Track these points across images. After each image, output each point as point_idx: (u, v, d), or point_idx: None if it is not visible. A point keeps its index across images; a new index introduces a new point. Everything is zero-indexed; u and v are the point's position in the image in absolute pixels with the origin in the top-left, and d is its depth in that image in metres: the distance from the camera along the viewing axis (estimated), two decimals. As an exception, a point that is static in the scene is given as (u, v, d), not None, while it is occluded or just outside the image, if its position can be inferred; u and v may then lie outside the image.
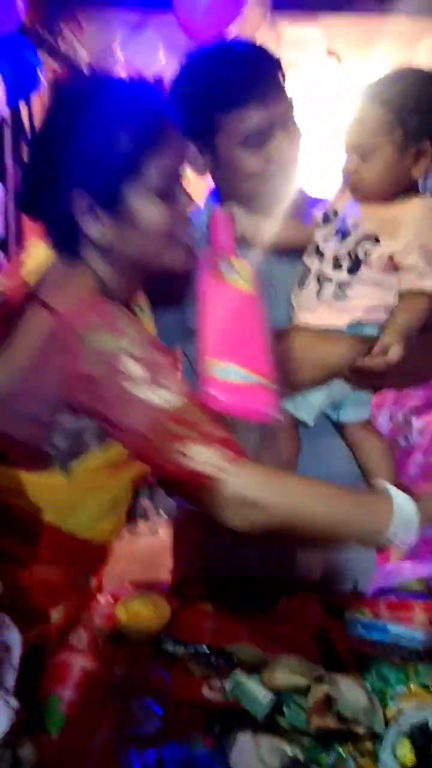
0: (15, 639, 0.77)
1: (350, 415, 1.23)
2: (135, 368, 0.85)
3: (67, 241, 0.95)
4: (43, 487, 0.97)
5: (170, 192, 0.92)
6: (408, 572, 1.82)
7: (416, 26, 2.78)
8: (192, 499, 0.92)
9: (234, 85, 1.06)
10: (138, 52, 3.30)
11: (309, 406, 1.16)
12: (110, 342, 0.85)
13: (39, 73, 2.38)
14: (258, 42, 1.14)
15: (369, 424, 1.28)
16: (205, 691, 0.96)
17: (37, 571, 0.99)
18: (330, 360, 1.11)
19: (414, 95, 1.00)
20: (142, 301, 1.12)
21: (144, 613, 1.07)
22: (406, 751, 0.86)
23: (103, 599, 1.13)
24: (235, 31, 2.44)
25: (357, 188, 1.08)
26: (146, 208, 0.91)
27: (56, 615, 1.02)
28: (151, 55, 3.41)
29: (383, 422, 2.72)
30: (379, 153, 1.02)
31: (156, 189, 0.91)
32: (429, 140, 1.03)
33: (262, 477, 0.91)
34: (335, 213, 1.12)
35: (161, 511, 3.29)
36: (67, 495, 0.98)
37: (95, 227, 0.91)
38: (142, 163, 0.89)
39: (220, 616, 1.14)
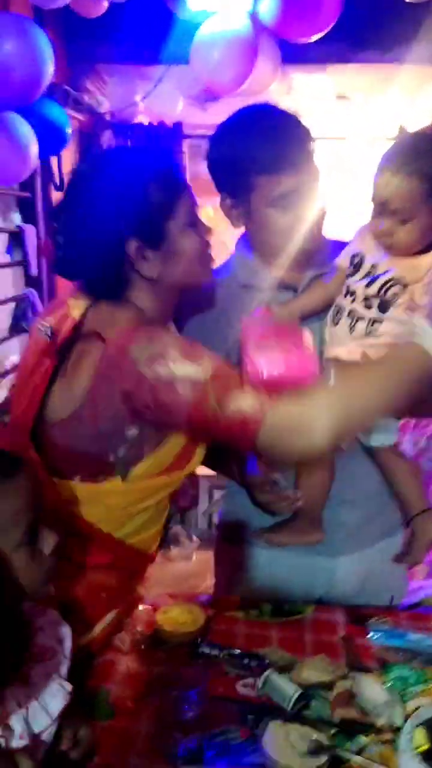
0: (67, 632, 0.89)
1: (379, 439, 1.32)
2: (171, 354, 1.01)
3: (112, 287, 1.11)
4: (103, 494, 1.10)
5: (196, 222, 1.12)
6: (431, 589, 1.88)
7: (419, 73, 2.92)
8: (245, 446, 1.04)
9: (271, 152, 1.16)
10: (158, 102, 3.51)
11: None
12: (152, 347, 1.02)
13: (67, 130, 2.57)
14: (282, 106, 1.23)
15: (396, 448, 1.37)
16: (240, 688, 1.06)
17: (95, 576, 1.12)
18: None
19: None
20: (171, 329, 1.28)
21: (181, 619, 1.17)
22: (421, 739, 0.94)
23: (144, 607, 1.24)
24: (248, 83, 2.60)
25: (392, 246, 1.18)
26: (184, 238, 1.10)
27: (107, 620, 1.14)
28: (170, 105, 3.63)
29: (407, 447, 2.78)
30: (417, 219, 1.13)
31: (187, 222, 1.10)
32: None
33: (303, 408, 1.01)
34: (362, 258, 1.23)
35: (193, 537, 3.37)
36: (123, 499, 1.12)
37: (146, 266, 1.09)
38: (176, 204, 1.09)
39: (252, 624, 1.24)
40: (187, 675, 1.03)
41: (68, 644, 0.86)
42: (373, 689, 1.04)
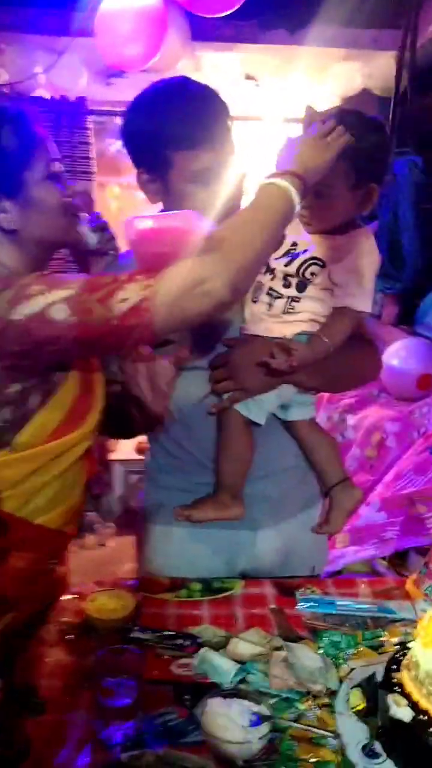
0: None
1: (297, 414, 1.34)
2: (33, 289, 0.96)
3: None
4: None
5: (57, 176, 1.10)
6: (352, 556, 1.96)
7: (325, 54, 2.97)
8: (147, 333, 0.98)
9: (188, 128, 1.13)
10: (61, 76, 3.36)
11: (259, 408, 1.27)
12: (8, 293, 0.97)
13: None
14: (209, 85, 1.19)
15: (314, 422, 1.40)
16: (175, 669, 1.04)
17: (7, 560, 1.05)
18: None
19: (365, 143, 1.12)
20: None
21: (110, 606, 1.14)
22: (356, 699, 0.97)
23: (70, 597, 1.19)
24: (157, 59, 2.54)
25: (311, 222, 1.19)
26: (43, 190, 1.07)
27: (23, 602, 1.08)
28: (74, 79, 3.49)
29: (320, 421, 2.86)
30: (335, 193, 1.14)
31: (47, 174, 1.08)
32: (376, 182, 1.17)
33: (191, 263, 0.96)
34: (282, 236, 1.21)
35: (108, 523, 3.32)
36: (18, 471, 1.05)
37: (3, 217, 1.05)
38: (33, 155, 1.06)
39: (182, 604, 1.22)
40: (120, 661, 0.99)
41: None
42: (307, 657, 1.06)
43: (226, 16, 2.47)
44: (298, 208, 1.02)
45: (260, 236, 1.01)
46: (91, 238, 1.33)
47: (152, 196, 1.25)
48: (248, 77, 3.36)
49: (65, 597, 1.20)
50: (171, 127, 1.14)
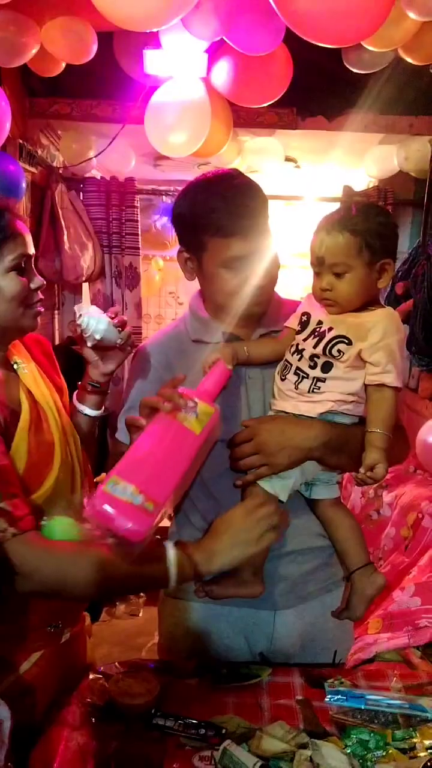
0: (5, 714, 0.83)
1: (321, 493, 1.34)
2: None
3: None
4: None
5: (23, 268, 1.17)
6: (385, 644, 1.87)
7: (362, 138, 3.10)
8: None
9: (224, 217, 1.21)
10: (112, 158, 3.59)
11: (283, 484, 1.27)
12: None
13: (22, 184, 2.58)
14: (250, 179, 1.28)
15: (338, 502, 1.39)
16: (196, 762, 1.01)
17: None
18: (304, 444, 1.22)
19: (374, 223, 1.21)
20: (21, 357, 1.28)
21: (135, 689, 1.12)
22: (385, 810, 0.92)
23: (94, 677, 1.18)
24: (201, 145, 2.69)
25: (333, 302, 1.24)
26: (7, 280, 1.15)
27: (26, 665, 1.11)
28: (124, 162, 3.71)
29: (355, 497, 2.81)
30: (353, 271, 1.21)
31: (14, 266, 1.15)
32: (389, 257, 1.23)
33: (40, 551, 1.03)
34: (309, 317, 1.28)
35: (140, 593, 3.27)
36: None
37: None
38: (1, 247, 1.14)
39: (207, 691, 1.20)
40: (142, 750, 0.98)
41: (6, 726, 0.81)
42: (333, 757, 1.02)
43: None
44: (173, 584, 1.10)
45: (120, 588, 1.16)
46: (113, 334, 1.36)
47: (188, 273, 1.34)
48: (288, 159, 3.51)
49: (91, 677, 1.19)
50: (208, 213, 1.22)
